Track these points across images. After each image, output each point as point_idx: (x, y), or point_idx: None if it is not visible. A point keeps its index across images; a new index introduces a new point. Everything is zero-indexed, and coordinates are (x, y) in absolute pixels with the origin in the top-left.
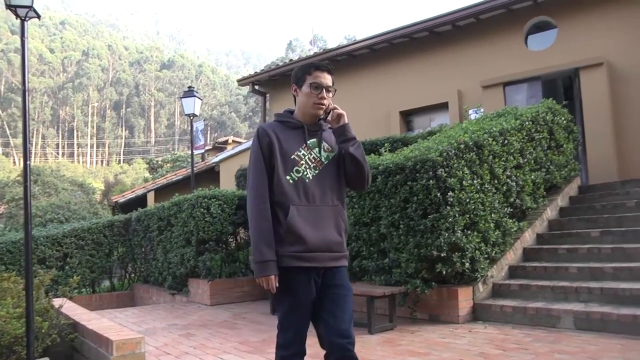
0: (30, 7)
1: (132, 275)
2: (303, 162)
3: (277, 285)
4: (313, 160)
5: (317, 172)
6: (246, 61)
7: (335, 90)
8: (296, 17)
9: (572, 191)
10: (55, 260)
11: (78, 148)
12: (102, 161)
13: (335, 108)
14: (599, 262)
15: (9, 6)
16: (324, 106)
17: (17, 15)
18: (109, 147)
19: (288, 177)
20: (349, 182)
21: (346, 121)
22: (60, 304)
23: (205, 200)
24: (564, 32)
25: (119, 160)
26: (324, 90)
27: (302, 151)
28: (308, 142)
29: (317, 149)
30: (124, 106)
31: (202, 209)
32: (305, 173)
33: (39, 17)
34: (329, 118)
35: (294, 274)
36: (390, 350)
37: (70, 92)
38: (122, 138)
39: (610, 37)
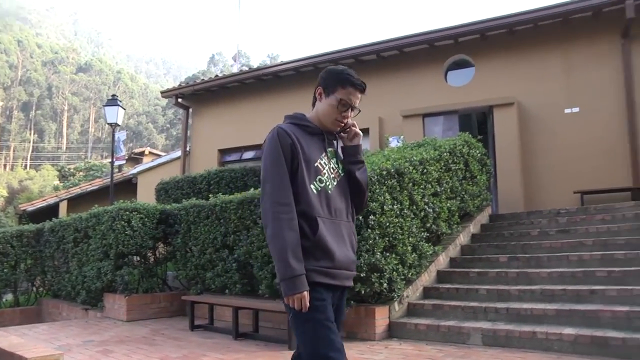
0: None
1: (41, 289)
2: (325, 171)
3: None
4: (332, 171)
5: (335, 183)
6: (167, 71)
7: (359, 111)
8: (220, 31)
9: (484, 219)
10: None
11: None
12: (5, 165)
13: (353, 125)
14: (506, 284)
15: None
16: (342, 124)
17: None
18: (14, 151)
19: (312, 186)
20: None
21: (360, 142)
22: None
23: (127, 213)
24: (481, 71)
25: (25, 166)
26: (350, 110)
27: (324, 160)
28: (327, 150)
29: (334, 159)
30: (34, 108)
31: (122, 222)
32: (327, 183)
33: None
34: (344, 134)
35: (322, 290)
36: None
37: None
38: (30, 142)
39: (520, 79)
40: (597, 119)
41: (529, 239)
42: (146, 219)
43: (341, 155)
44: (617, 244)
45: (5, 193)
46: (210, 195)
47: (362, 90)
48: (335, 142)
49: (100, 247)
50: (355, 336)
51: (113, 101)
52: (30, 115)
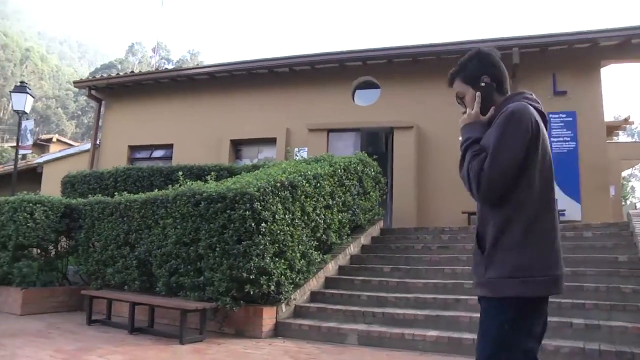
0: None
1: None
2: None
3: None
4: None
5: None
6: (81, 55)
7: (462, 95)
8: (141, 20)
9: (375, 232)
10: None
11: None
12: None
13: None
14: (386, 292)
15: None
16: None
17: None
18: None
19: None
20: None
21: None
22: None
23: (30, 204)
24: (385, 93)
25: None
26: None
27: None
28: None
29: None
30: None
31: (25, 214)
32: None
33: None
34: None
35: (542, 304)
36: (199, 358)
37: None
38: None
39: (420, 105)
40: None
41: (413, 252)
42: (50, 212)
43: None
44: None
45: None
46: (116, 193)
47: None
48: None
49: None
50: (244, 334)
51: (22, 87)
52: None
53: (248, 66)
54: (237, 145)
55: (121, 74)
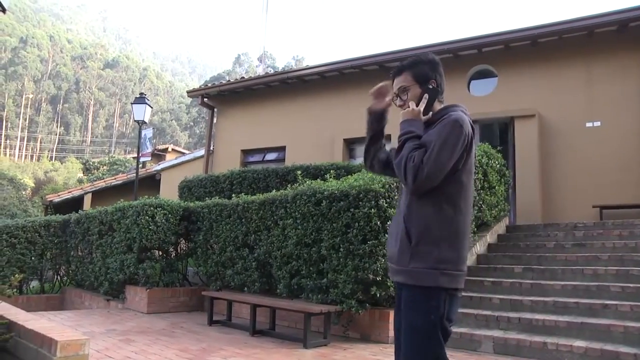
0: None
1: (65, 278)
2: None
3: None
4: None
5: None
6: (192, 70)
7: (405, 88)
8: (246, 31)
9: (501, 229)
10: None
11: (6, 140)
12: (32, 156)
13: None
14: (519, 295)
15: None
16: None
17: None
18: (40, 142)
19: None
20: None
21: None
22: None
23: (151, 208)
24: (504, 81)
25: (51, 157)
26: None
27: None
28: None
29: None
30: (61, 101)
31: (147, 217)
32: None
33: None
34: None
35: (459, 295)
36: None
37: (2, 79)
38: (56, 134)
39: (542, 91)
40: (618, 133)
41: (545, 251)
42: (170, 215)
43: None
44: (634, 260)
45: (31, 183)
46: (232, 195)
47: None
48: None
49: (124, 240)
50: (369, 338)
51: (141, 99)
52: (58, 109)
53: (357, 63)
54: (350, 144)
55: (231, 80)
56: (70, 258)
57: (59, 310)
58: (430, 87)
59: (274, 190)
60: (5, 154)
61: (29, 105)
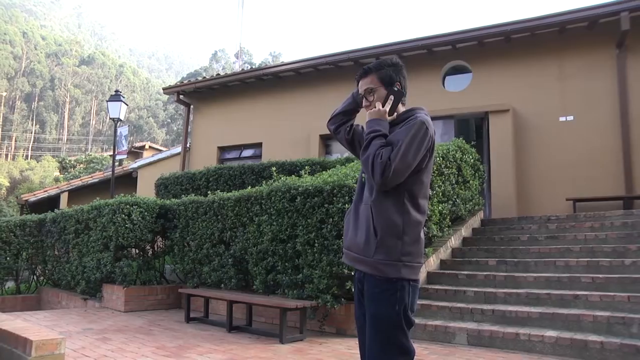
0: None
1: (41, 278)
2: None
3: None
4: None
5: None
6: (168, 66)
7: (371, 89)
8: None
9: (475, 223)
10: None
11: None
12: (7, 155)
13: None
14: (493, 287)
15: None
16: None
17: None
18: (15, 141)
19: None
20: None
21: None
22: None
23: (127, 206)
24: (478, 77)
25: (27, 156)
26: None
27: None
28: None
29: None
30: (36, 99)
31: (123, 215)
32: None
33: None
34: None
35: (418, 285)
36: (301, 358)
37: None
38: (31, 132)
39: (516, 87)
40: (591, 127)
41: (519, 244)
42: (146, 213)
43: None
44: (604, 251)
45: (6, 183)
46: (208, 192)
47: (356, 79)
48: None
49: (100, 239)
50: (345, 332)
51: (116, 96)
52: (33, 106)
53: (333, 59)
54: (326, 141)
55: (207, 77)
56: (47, 257)
57: (36, 311)
58: (395, 89)
59: (250, 187)
60: None
61: (2, 103)
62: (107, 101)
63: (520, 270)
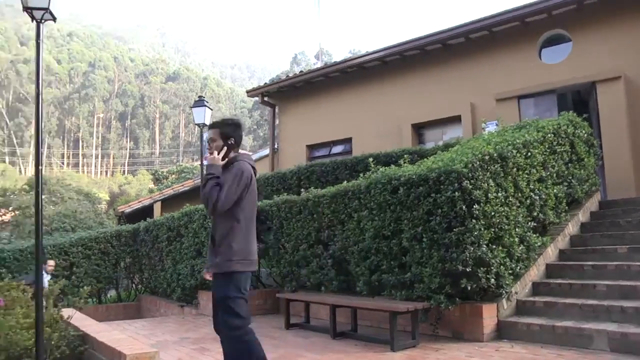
0: (46, 10)
1: (139, 286)
2: None
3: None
4: None
5: None
6: (251, 74)
7: (213, 140)
8: (301, 31)
9: (593, 206)
10: (62, 270)
11: (83, 158)
12: (106, 172)
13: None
14: (629, 280)
15: (26, 8)
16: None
17: (33, 18)
18: (113, 158)
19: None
20: None
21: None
22: (70, 314)
23: None
24: (579, 45)
25: (124, 171)
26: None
27: None
28: None
29: None
30: (129, 117)
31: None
32: None
33: (54, 19)
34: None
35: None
36: None
37: (76, 102)
38: (126, 149)
39: (627, 51)
40: None
41: None
42: None
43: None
44: None
45: (107, 197)
46: (301, 191)
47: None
48: None
49: (192, 245)
50: (462, 336)
51: (200, 102)
52: (126, 124)
53: (419, 43)
54: (418, 130)
55: (290, 75)
56: (143, 266)
57: (135, 319)
58: (230, 142)
59: (345, 182)
60: (83, 172)
61: (100, 124)
62: (191, 107)
63: None
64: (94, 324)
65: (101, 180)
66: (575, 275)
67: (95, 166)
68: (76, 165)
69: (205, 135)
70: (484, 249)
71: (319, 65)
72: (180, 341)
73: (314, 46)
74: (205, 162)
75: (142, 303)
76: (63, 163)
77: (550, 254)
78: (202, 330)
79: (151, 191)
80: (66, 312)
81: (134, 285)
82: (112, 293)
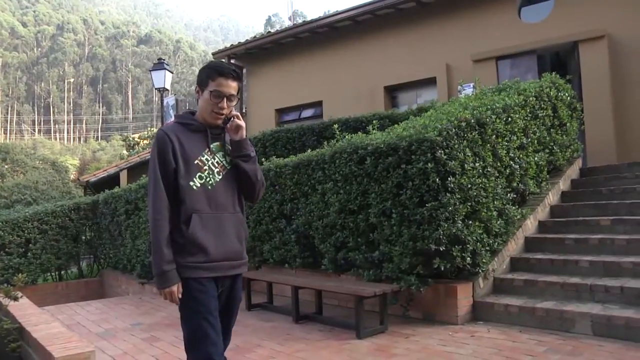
0: None
1: (102, 261)
2: (206, 167)
3: (180, 296)
4: (217, 165)
5: (220, 177)
6: (225, 37)
7: (239, 99)
8: None
9: (574, 174)
10: (16, 247)
11: (55, 124)
12: (79, 138)
13: (237, 117)
14: (614, 255)
15: None
16: (222, 116)
17: None
18: (86, 124)
19: (191, 183)
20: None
21: (244, 136)
22: (9, 301)
23: None
24: (561, 3)
25: (97, 137)
26: (225, 100)
27: (206, 156)
28: (211, 145)
29: (220, 153)
30: (100, 82)
31: None
32: (209, 179)
33: None
34: (227, 126)
35: (199, 283)
36: None
37: (45, 67)
38: (99, 114)
39: (611, 9)
40: None
41: (635, 197)
42: None
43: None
44: None
45: (76, 163)
46: (263, 159)
47: (234, 77)
48: (224, 134)
49: None
50: (434, 318)
51: (160, 65)
52: (98, 89)
53: (393, 1)
54: (392, 92)
55: (258, 36)
56: (104, 240)
57: (94, 299)
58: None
59: (309, 150)
60: (56, 138)
61: (71, 89)
62: (150, 71)
63: None
64: (35, 313)
65: (74, 147)
66: (556, 249)
67: (67, 132)
68: (48, 131)
69: (168, 100)
70: (460, 225)
71: None
72: (132, 328)
73: (288, 8)
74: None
75: (104, 279)
76: (34, 130)
77: (530, 226)
78: (158, 313)
79: (122, 158)
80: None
81: (96, 261)
82: (74, 269)
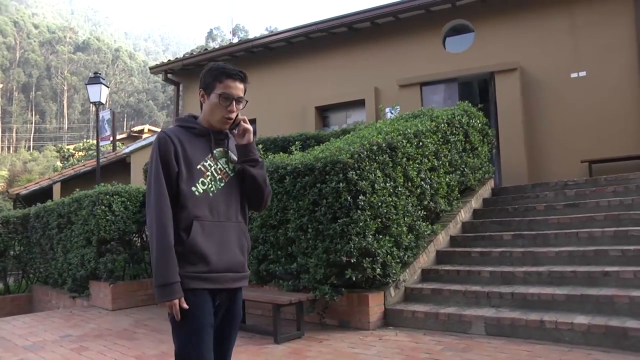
0: None
1: (31, 275)
2: (209, 173)
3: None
4: (219, 172)
5: (222, 184)
6: (165, 48)
7: (247, 101)
8: (218, 5)
9: (486, 193)
10: None
11: None
12: (9, 147)
13: (244, 121)
14: (511, 265)
15: None
16: (231, 120)
17: None
18: (16, 133)
19: (193, 189)
20: (247, 200)
21: (251, 139)
22: None
23: (107, 197)
24: (481, 36)
25: (29, 147)
26: (234, 102)
27: (208, 161)
28: (214, 151)
29: (223, 160)
30: (33, 89)
31: (103, 207)
32: (211, 186)
33: None
34: (234, 130)
35: (195, 296)
36: None
37: None
38: (32, 123)
39: (523, 44)
40: (606, 83)
41: (535, 214)
42: (128, 203)
43: (233, 155)
44: (632, 219)
45: (5, 174)
46: None
47: (241, 79)
48: (227, 141)
49: (82, 234)
50: (348, 325)
51: (96, 79)
52: (31, 97)
53: (325, 26)
54: (323, 112)
55: (195, 53)
56: (34, 255)
57: (22, 314)
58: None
59: None
60: None
61: (0, 96)
62: (86, 84)
63: (539, 245)
64: None
65: (3, 157)
66: (464, 261)
67: None
68: None
69: (104, 115)
70: (370, 239)
71: (234, 41)
72: (60, 340)
73: (229, 21)
74: (232, 139)
75: (34, 294)
76: None
77: (442, 240)
78: (88, 325)
79: (56, 170)
80: None
81: (25, 276)
82: (1, 285)
